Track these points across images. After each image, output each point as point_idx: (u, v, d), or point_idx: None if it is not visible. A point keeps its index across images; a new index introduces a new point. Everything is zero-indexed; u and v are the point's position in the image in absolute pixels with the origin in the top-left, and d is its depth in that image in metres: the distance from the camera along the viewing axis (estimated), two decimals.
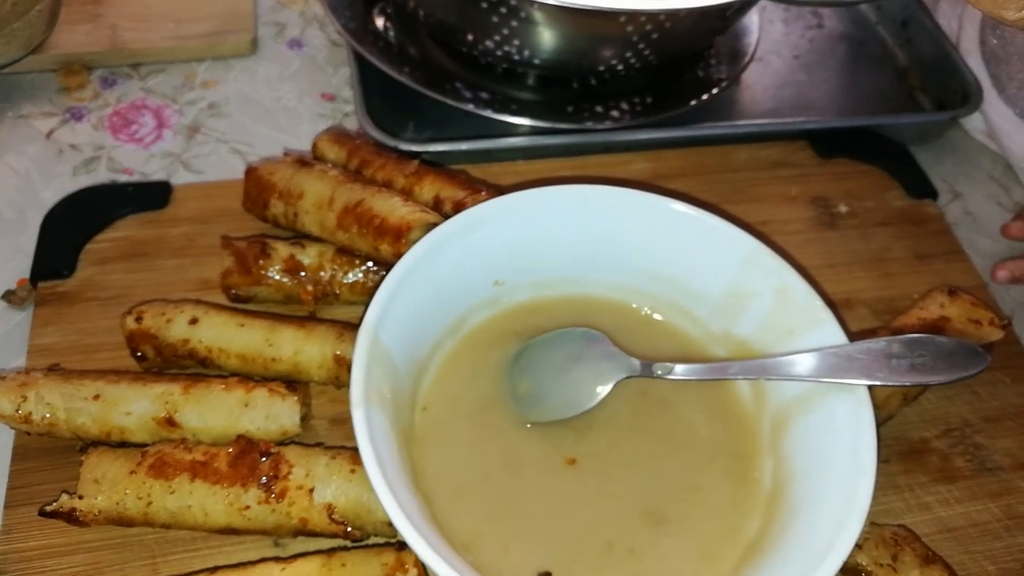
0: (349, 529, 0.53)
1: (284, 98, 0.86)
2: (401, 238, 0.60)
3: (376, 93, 0.80)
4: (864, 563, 0.57)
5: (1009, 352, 0.72)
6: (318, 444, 0.57)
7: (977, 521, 0.63)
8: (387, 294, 0.53)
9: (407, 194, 0.65)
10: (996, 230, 0.84)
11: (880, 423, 0.65)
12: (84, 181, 0.76)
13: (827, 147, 0.85)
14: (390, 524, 0.54)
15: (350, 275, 0.65)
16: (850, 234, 0.79)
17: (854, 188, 0.83)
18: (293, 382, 0.59)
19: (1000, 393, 0.70)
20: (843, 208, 0.81)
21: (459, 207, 0.62)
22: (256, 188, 0.68)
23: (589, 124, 0.80)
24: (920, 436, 0.67)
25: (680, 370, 0.57)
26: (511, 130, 0.79)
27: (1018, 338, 0.74)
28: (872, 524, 0.60)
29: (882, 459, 0.65)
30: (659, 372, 0.58)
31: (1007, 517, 0.64)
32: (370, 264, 0.64)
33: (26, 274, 0.69)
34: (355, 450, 0.55)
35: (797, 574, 0.48)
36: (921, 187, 0.84)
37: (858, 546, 0.58)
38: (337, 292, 0.64)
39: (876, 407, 0.60)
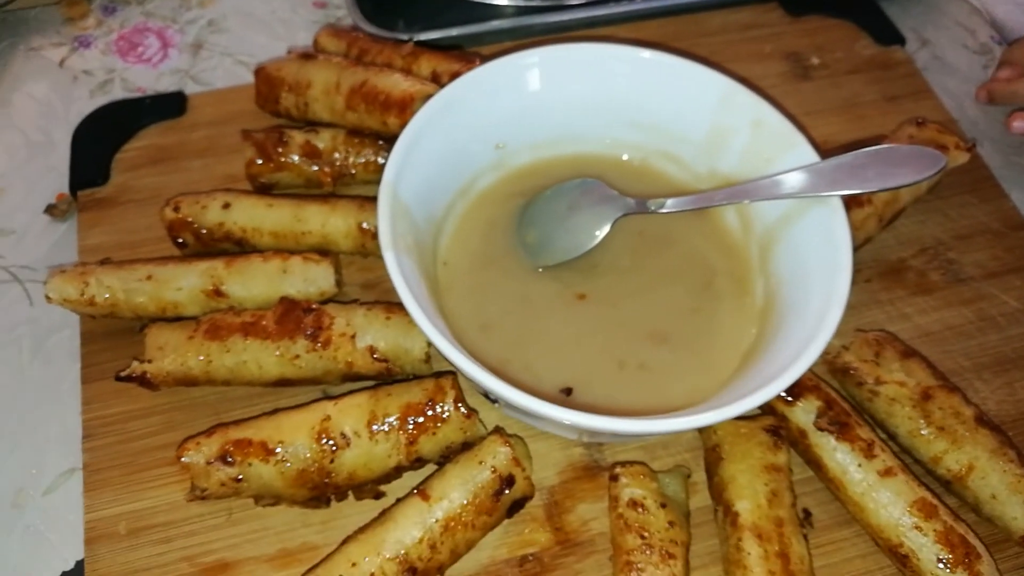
0: (391, 367, 0.59)
1: (279, 10, 0.90)
2: (406, 109, 0.65)
3: None
4: (851, 361, 0.64)
5: (977, 176, 0.78)
6: (354, 301, 0.64)
7: (952, 325, 0.70)
8: (401, 153, 0.58)
9: (407, 72, 0.70)
10: (965, 71, 0.89)
11: (859, 245, 0.71)
12: (102, 102, 0.81)
13: (797, 6, 0.89)
14: (426, 361, 0.60)
15: (362, 155, 0.70)
16: (823, 83, 0.84)
17: (824, 41, 0.87)
18: (324, 252, 0.65)
19: (969, 213, 0.76)
20: (815, 60, 0.85)
21: (456, 78, 0.66)
22: (267, 85, 0.72)
23: None
24: (898, 256, 0.73)
25: (672, 203, 0.63)
26: (498, 13, 0.83)
27: (985, 163, 0.80)
28: (857, 330, 0.67)
29: (864, 279, 0.72)
30: (652, 207, 0.63)
31: (979, 319, 0.70)
32: (381, 143, 0.70)
33: (62, 190, 0.75)
34: (388, 303, 0.62)
35: (788, 360, 0.53)
36: (889, 35, 0.88)
37: (845, 348, 0.65)
38: (352, 172, 0.70)
39: (855, 228, 0.65)
